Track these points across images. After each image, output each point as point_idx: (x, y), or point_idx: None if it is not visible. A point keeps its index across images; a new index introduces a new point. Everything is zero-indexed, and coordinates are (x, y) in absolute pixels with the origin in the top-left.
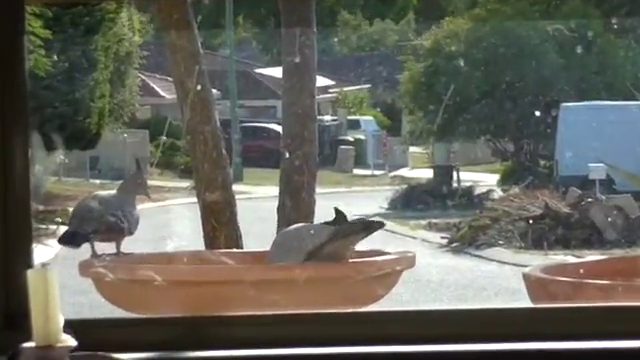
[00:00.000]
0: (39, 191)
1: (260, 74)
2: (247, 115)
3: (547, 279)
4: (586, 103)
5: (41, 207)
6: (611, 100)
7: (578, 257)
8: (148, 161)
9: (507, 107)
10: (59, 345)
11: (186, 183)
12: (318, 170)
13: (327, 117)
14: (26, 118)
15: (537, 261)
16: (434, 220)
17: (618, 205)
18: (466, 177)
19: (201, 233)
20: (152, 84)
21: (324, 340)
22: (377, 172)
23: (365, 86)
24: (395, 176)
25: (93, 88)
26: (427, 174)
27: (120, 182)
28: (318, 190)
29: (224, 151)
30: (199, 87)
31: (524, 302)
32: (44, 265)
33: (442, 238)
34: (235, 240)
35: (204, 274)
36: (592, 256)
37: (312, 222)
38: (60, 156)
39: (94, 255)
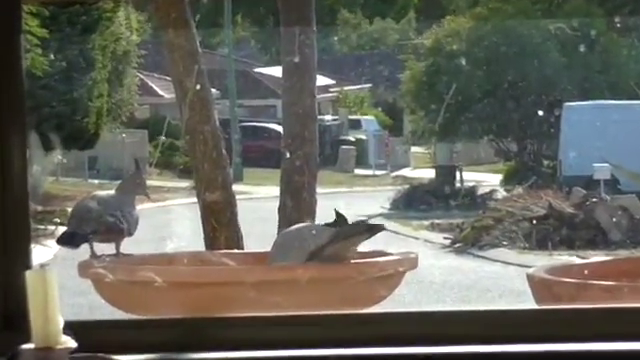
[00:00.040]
0: (37, 191)
1: (259, 73)
2: (247, 115)
3: (551, 280)
4: (589, 102)
5: (39, 207)
6: (615, 99)
7: (583, 258)
8: (147, 161)
9: (510, 107)
10: (58, 347)
11: (185, 183)
12: (319, 170)
13: (328, 117)
14: (23, 118)
15: (541, 262)
16: (437, 220)
17: (623, 205)
18: (469, 177)
19: (201, 234)
20: (150, 83)
21: (326, 342)
22: (379, 172)
23: (366, 85)
24: (397, 176)
25: (91, 87)
26: (429, 174)
27: (119, 182)
28: (319, 190)
29: (224, 151)
30: (198, 86)
31: (528, 303)
32: (43, 266)
33: (445, 239)
34: (236, 241)
35: (204, 275)
36: (597, 257)
37: (313, 222)
38: (58, 156)
39: (93, 256)
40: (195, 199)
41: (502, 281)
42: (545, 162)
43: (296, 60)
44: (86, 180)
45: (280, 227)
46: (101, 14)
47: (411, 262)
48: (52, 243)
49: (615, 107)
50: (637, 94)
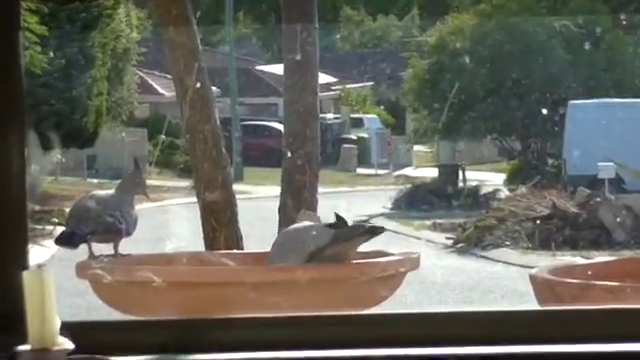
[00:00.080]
0: (35, 191)
1: (261, 71)
2: (248, 113)
3: (554, 281)
4: (594, 100)
5: (37, 207)
6: (620, 97)
7: (586, 258)
8: (147, 160)
9: (513, 105)
10: (55, 348)
11: (185, 183)
12: (320, 169)
13: (330, 115)
14: (22, 116)
15: (544, 262)
16: (439, 220)
17: (627, 205)
18: (472, 176)
19: (201, 234)
20: (150, 81)
21: (326, 343)
22: (381, 171)
23: (368, 83)
24: (399, 175)
25: (90, 86)
26: (432, 173)
27: (118, 182)
28: (320, 190)
29: (224, 150)
30: (198, 84)
31: (531, 304)
32: (40, 266)
33: (447, 239)
34: (235, 241)
35: (204, 275)
36: (601, 257)
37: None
38: (57, 155)
39: (91, 256)
40: (195, 199)
41: (504, 282)
42: (549, 161)
43: (298, 58)
44: (85, 179)
45: (280, 227)
46: (101, 11)
47: (413, 262)
48: (50, 243)
49: (620, 105)
50: None
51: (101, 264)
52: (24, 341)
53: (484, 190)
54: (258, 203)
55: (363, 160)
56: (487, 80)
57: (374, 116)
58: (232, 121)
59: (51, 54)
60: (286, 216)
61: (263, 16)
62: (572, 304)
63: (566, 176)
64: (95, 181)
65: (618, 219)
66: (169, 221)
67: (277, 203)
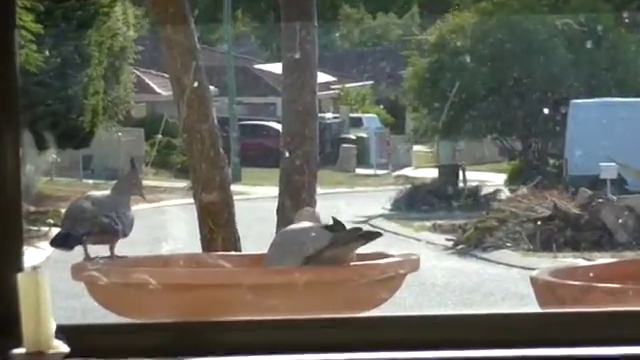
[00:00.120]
0: (30, 191)
1: (259, 70)
2: (246, 112)
3: (556, 283)
4: (596, 100)
5: (32, 208)
6: (622, 97)
7: (588, 260)
8: (143, 160)
9: (514, 104)
10: (51, 351)
11: (182, 183)
12: (319, 170)
13: (328, 114)
14: (17, 116)
15: (545, 264)
16: (439, 221)
17: (630, 206)
18: (472, 177)
19: (198, 235)
20: (147, 80)
21: (325, 346)
22: (380, 171)
23: (368, 82)
24: (399, 176)
25: (86, 85)
26: (432, 174)
27: (114, 182)
28: (319, 190)
29: (222, 150)
30: (196, 84)
31: (532, 307)
32: (35, 268)
33: (447, 240)
34: (233, 242)
35: (201, 277)
36: (602, 259)
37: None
38: (52, 155)
39: (87, 258)
40: (192, 200)
41: (505, 284)
42: (551, 161)
43: (297, 56)
44: (81, 180)
45: (278, 228)
46: (97, 9)
47: (412, 264)
48: (45, 245)
49: (622, 105)
50: None
51: (97, 266)
52: (19, 344)
53: (485, 191)
54: (256, 204)
55: (362, 160)
56: (488, 79)
57: (373, 115)
58: (230, 121)
59: (47, 53)
60: (284, 217)
61: (262, 14)
62: (573, 306)
63: (567, 176)
64: (91, 182)
65: (620, 220)
66: (166, 222)
67: (275, 204)
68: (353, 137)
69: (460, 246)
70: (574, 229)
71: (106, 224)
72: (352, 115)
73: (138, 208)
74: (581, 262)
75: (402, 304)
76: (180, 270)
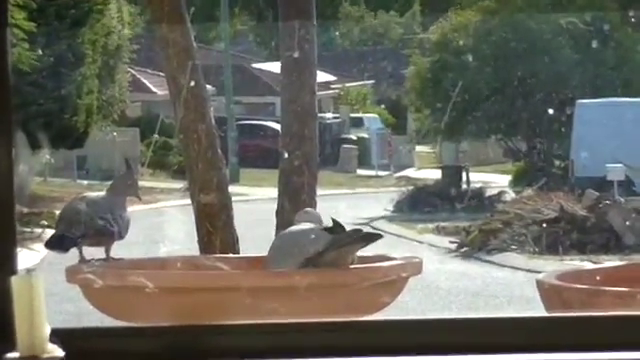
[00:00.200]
0: (23, 192)
1: (257, 69)
2: (244, 112)
3: (562, 286)
4: (602, 100)
5: (25, 209)
6: (629, 97)
7: (595, 263)
8: (139, 161)
9: (519, 104)
10: (45, 355)
11: (179, 184)
12: (319, 171)
13: (328, 114)
14: (9, 115)
15: (551, 267)
16: (442, 223)
17: (638, 208)
18: (476, 178)
19: (195, 237)
20: (143, 79)
21: (325, 350)
22: (381, 173)
23: (368, 82)
24: (401, 177)
25: (80, 84)
26: (435, 175)
27: (109, 183)
28: (319, 192)
29: (219, 151)
30: (193, 83)
31: (538, 311)
32: (29, 271)
33: (451, 243)
34: (231, 244)
35: (198, 280)
36: (610, 262)
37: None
38: (46, 156)
39: (82, 260)
40: (189, 201)
41: (510, 287)
42: (556, 162)
43: (295, 55)
44: (75, 181)
45: (278, 230)
46: (91, 7)
47: (415, 267)
48: (39, 247)
49: (629, 105)
50: None
51: (92, 268)
52: (13, 348)
53: (489, 192)
54: (255, 205)
55: (363, 161)
56: (491, 79)
57: (374, 115)
58: (228, 121)
59: (39, 51)
60: (284, 219)
61: (260, 12)
62: (580, 310)
63: (573, 178)
64: (85, 182)
65: (628, 222)
66: (162, 224)
67: (274, 205)
68: (354, 137)
69: (464, 249)
70: (581, 231)
71: (101, 226)
72: (353, 115)
73: (134, 209)
74: (588, 265)
75: (405, 308)
76: (177, 273)
